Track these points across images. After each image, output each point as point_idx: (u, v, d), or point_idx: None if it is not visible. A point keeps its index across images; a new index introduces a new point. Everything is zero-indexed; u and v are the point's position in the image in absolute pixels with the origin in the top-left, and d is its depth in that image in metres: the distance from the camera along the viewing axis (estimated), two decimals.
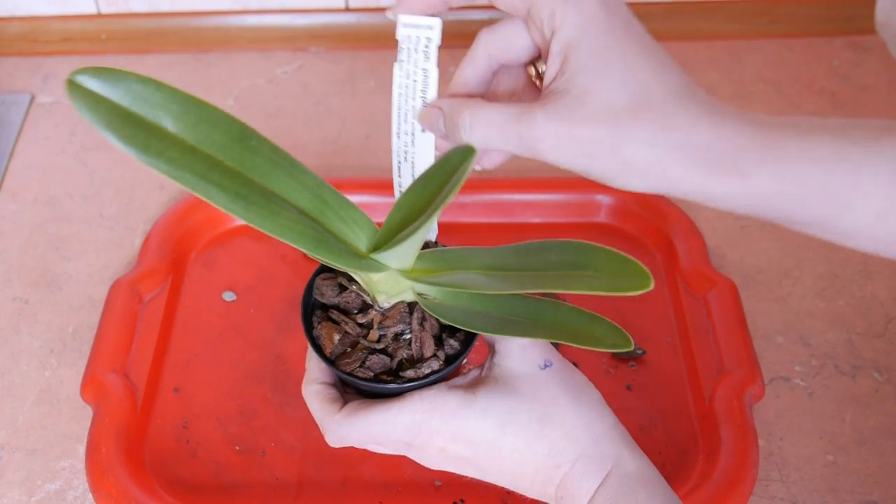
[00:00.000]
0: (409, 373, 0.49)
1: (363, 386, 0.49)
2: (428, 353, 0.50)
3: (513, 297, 0.49)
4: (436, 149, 0.51)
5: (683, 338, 0.72)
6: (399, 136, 0.51)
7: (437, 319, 0.51)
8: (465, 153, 0.44)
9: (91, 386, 0.66)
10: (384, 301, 0.51)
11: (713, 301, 0.72)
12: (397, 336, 0.51)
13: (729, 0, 0.98)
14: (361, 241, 0.48)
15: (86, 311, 0.75)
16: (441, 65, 0.49)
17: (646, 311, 0.74)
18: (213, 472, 0.65)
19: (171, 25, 0.98)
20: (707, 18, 0.99)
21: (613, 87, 0.44)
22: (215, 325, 0.74)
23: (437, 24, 0.47)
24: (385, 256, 0.46)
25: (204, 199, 0.41)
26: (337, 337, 0.50)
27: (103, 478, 0.61)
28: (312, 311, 0.52)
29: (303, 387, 0.51)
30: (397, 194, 0.53)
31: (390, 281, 0.49)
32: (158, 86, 0.42)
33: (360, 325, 0.51)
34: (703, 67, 0.97)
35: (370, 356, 0.50)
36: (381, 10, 0.98)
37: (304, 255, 0.78)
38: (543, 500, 0.49)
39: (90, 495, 0.63)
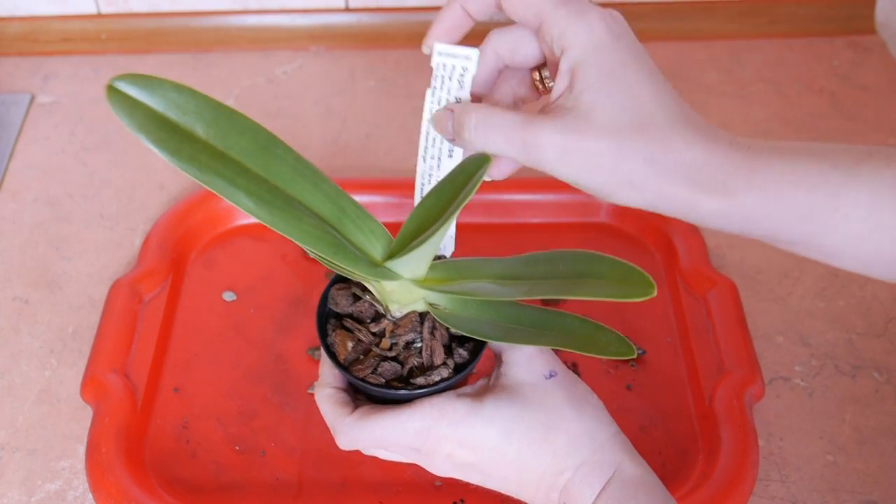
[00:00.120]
0: (420, 380, 0.51)
1: (374, 392, 0.51)
2: (438, 361, 0.51)
3: (520, 307, 0.51)
4: None
5: (683, 338, 0.72)
6: (425, 160, 0.52)
7: (447, 329, 0.53)
8: (479, 162, 0.46)
9: (91, 386, 0.66)
10: (396, 311, 0.52)
11: (713, 301, 0.72)
12: (408, 344, 0.52)
13: (729, 0, 0.98)
14: (376, 250, 0.50)
15: (86, 311, 0.75)
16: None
17: (646, 311, 0.74)
18: (213, 472, 0.65)
19: (171, 25, 0.98)
20: (707, 18, 0.99)
21: (617, 107, 0.47)
22: (215, 325, 0.74)
23: (474, 55, 0.49)
24: (399, 264, 0.48)
25: (231, 202, 0.43)
26: (350, 344, 0.52)
27: (103, 478, 0.61)
28: (327, 319, 0.54)
29: (315, 391, 0.53)
30: None
31: (403, 290, 0.51)
32: (192, 93, 0.44)
33: (373, 333, 0.53)
34: (703, 67, 0.97)
35: (382, 363, 0.51)
36: (381, 10, 0.98)
37: (304, 255, 0.78)
38: None
39: (90, 495, 0.63)
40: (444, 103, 0.50)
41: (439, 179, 0.53)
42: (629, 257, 0.48)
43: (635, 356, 0.47)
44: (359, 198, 0.51)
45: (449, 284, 0.50)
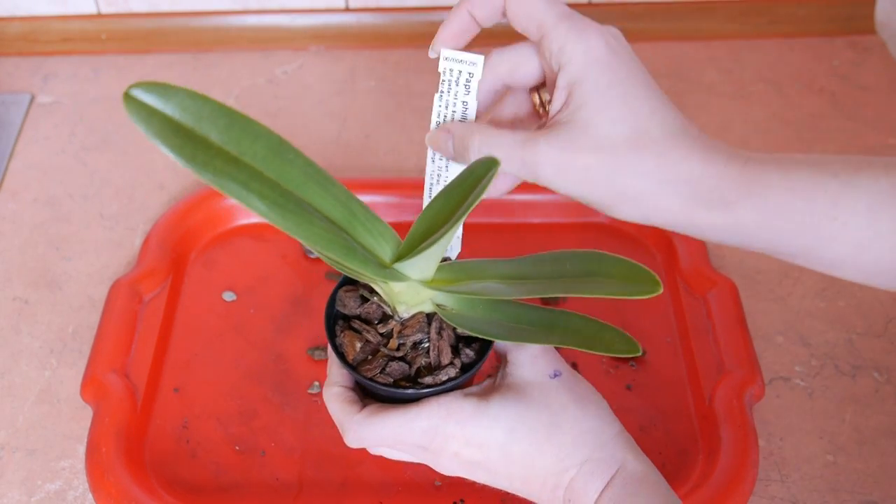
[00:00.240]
0: (427, 379, 0.51)
1: (382, 391, 0.52)
2: (445, 360, 0.52)
3: (526, 308, 0.52)
4: None
5: (683, 338, 0.72)
6: (434, 161, 0.54)
7: (453, 329, 0.53)
8: (488, 165, 0.46)
9: (91, 386, 0.66)
10: (404, 312, 0.53)
11: (713, 301, 0.72)
12: (416, 345, 0.53)
13: (729, 0, 0.98)
14: (385, 253, 0.51)
15: (86, 311, 0.75)
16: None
17: (646, 311, 0.74)
18: (213, 472, 0.65)
19: (171, 25, 0.98)
20: (707, 18, 0.99)
21: (613, 122, 0.48)
22: (215, 325, 0.74)
23: (480, 60, 0.50)
24: (407, 266, 0.49)
25: (245, 206, 0.44)
26: (359, 345, 0.53)
27: (103, 478, 0.61)
28: (335, 321, 0.55)
29: (324, 390, 0.54)
30: None
31: (411, 292, 0.51)
32: (206, 100, 0.45)
33: (381, 334, 0.53)
34: (703, 67, 0.97)
35: (390, 363, 0.52)
36: (382, 10, 0.98)
37: (305, 255, 0.78)
38: None
39: (90, 495, 0.63)
40: (451, 107, 0.52)
41: (448, 180, 0.54)
42: (629, 257, 0.48)
43: (640, 353, 0.47)
44: (359, 198, 0.51)
45: (456, 285, 0.51)
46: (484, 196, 0.56)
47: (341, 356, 0.53)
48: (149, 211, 0.83)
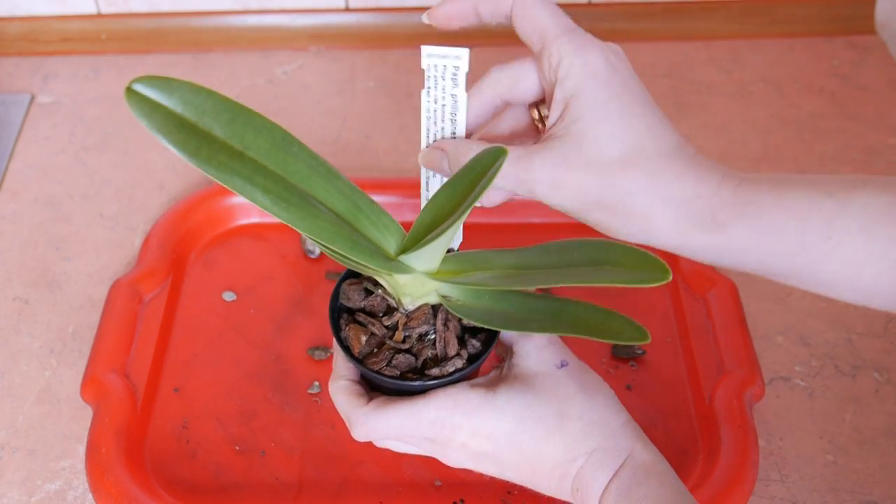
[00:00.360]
0: (434, 371, 0.51)
1: (389, 384, 0.52)
2: (451, 352, 0.52)
3: (533, 297, 0.51)
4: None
5: (683, 338, 0.72)
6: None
7: (459, 321, 0.53)
8: (495, 155, 0.46)
9: (91, 386, 0.66)
10: (409, 304, 0.53)
11: (713, 301, 0.72)
12: (422, 337, 0.53)
13: (729, 0, 0.98)
14: (390, 245, 0.51)
15: (86, 311, 0.75)
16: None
17: (646, 311, 0.74)
18: (213, 472, 0.65)
19: (171, 25, 0.98)
20: (707, 18, 0.99)
21: (608, 137, 0.48)
22: (215, 325, 0.74)
23: (464, 53, 0.50)
24: (412, 258, 0.49)
25: (249, 200, 0.44)
26: (364, 338, 0.53)
27: (103, 478, 0.61)
28: (339, 314, 0.55)
29: (330, 383, 0.54)
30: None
31: (416, 283, 0.51)
32: (209, 94, 0.45)
33: (386, 326, 0.53)
34: (703, 67, 0.97)
35: (396, 355, 0.52)
36: (382, 10, 0.98)
37: (305, 255, 0.78)
38: (561, 496, 0.51)
39: (90, 495, 0.63)
40: (440, 101, 0.51)
41: (442, 181, 0.53)
42: None
43: (649, 340, 0.46)
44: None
45: (462, 276, 0.50)
46: (477, 204, 0.56)
47: (347, 349, 0.52)
48: (149, 211, 0.83)
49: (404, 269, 0.49)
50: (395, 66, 0.98)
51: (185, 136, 0.43)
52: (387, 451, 0.65)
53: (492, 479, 0.63)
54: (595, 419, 0.50)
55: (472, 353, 0.53)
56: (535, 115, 0.53)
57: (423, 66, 0.50)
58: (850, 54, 0.98)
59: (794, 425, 0.67)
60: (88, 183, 0.86)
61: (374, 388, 0.54)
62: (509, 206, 0.80)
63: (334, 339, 0.53)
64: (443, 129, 0.52)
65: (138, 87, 0.43)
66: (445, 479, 0.64)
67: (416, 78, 0.96)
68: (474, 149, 0.49)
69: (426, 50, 0.50)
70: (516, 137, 0.54)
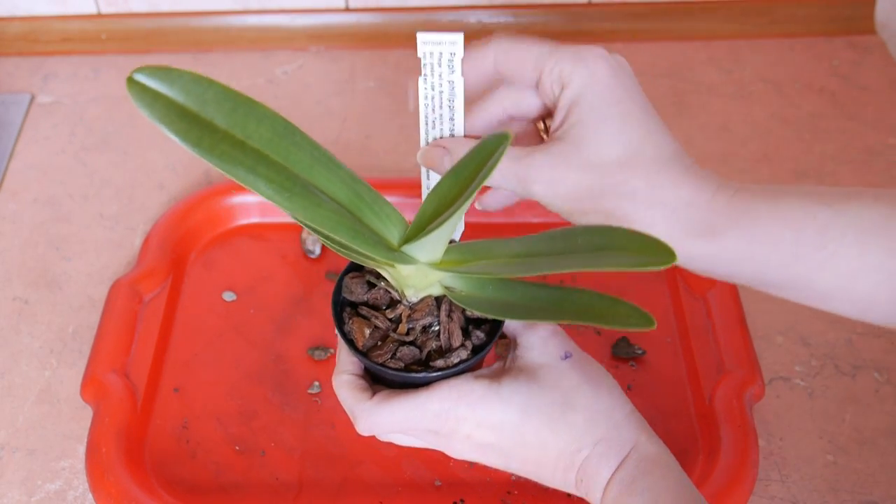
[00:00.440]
0: (439, 362, 0.51)
1: (393, 376, 0.52)
2: (456, 343, 0.52)
3: (537, 286, 0.51)
4: None
5: (683, 338, 0.72)
6: (427, 143, 0.54)
7: (462, 312, 0.53)
8: (498, 140, 0.45)
9: (91, 386, 0.66)
10: (412, 296, 0.53)
11: (713, 301, 0.72)
12: (426, 328, 0.53)
13: (729, 0, 0.98)
14: (393, 235, 0.50)
15: (86, 311, 0.75)
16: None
17: (646, 310, 0.73)
18: (213, 472, 0.65)
19: (171, 25, 0.98)
20: (707, 18, 0.99)
21: (607, 140, 0.48)
22: (215, 325, 0.74)
23: (459, 39, 0.50)
24: (415, 248, 0.49)
25: (252, 190, 0.44)
26: (367, 331, 0.53)
27: (103, 478, 0.61)
28: (342, 308, 0.55)
29: (333, 378, 0.54)
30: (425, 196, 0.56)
31: (419, 275, 0.51)
32: (210, 83, 0.44)
33: (390, 319, 0.53)
34: (703, 67, 0.97)
35: (401, 347, 0.52)
36: (382, 10, 0.98)
37: (305, 255, 0.78)
38: (565, 488, 0.51)
39: (90, 495, 0.63)
40: (438, 88, 0.51)
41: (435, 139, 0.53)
42: None
43: (654, 326, 0.46)
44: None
45: (466, 266, 0.50)
46: (478, 207, 0.57)
47: (350, 343, 0.52)
48: (149, 211, 0.83)
49: (407, 260, 0.49)
50: (395, 66, 0.98)
51: (187, 126, 0.43)
52: (387, 451, 0.65)
53: (492, 479, 0.63)
54: (599, 410, 0.50)
55: (477, 345, 0.53)
56: (541, 126, 0.54)
57: (420, 53, 0.51)
58: (850, 54, 0.98)
59: (794, 425, 0.67)
60: (88, 183, 0.86)
61: (378, 381, 0.54)
62: (509, 206, 0.81)
63: (337, 333, 0.53)
64: (441, 115, 0.52)
65: (139, 77, 0.43)
66: (445, 479, 0.64)
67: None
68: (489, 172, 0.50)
69: (422, 37, 0.50)
70: (518, 143, 0.54)
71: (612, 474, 0.49)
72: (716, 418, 0.64)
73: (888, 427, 0.67)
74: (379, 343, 0.53)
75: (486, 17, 0.98)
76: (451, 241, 0.55)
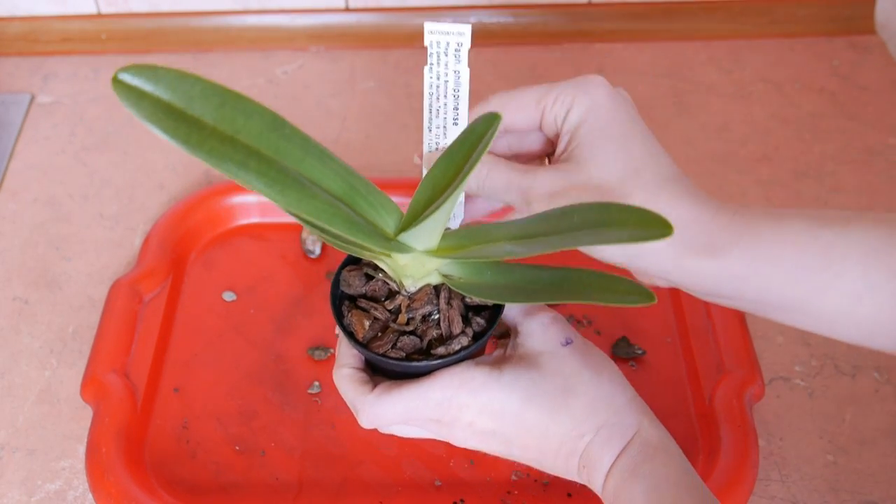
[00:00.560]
0: (440, 350, 0.51)
1: (395, 366, 0.52)
2: (456, 330, 0.52)
3: (535, 268, 0.51)
4: None
5: (683, 338, 0.72)
6: (431, 130, 0.54)
7: (462, 300, 0.53)
8: (489, 121, 0.46)
9: (91, 386, 0.66)
10: (411, 285, 0.53)
11: None
12: (425, 318, 0.53)
13: (729, 0, 0.98)
14: (388, 225, 0.50)
15: (86, 311, 0.75)
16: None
17: (646, 311, 0.74)
18: (213, 472, 0.65)
19: (171, 25, 0.98)
20: (707, 18, 0.99)
21: (608, 159, 0.49)
22: (215, 325, 0.74)
23: (467, 29, 0.50)
24: (411, 236, 0.49)
25: (244, 185, 0.44)
26: (367, 323, 0.53)
27: (103, 478, 0.61)
28: (341, 302, 0.55)
29: (334, 372, 0.54)
30: None
31: (416, 263, 0.51)
32: (196, 80, 0.44)
33: (389, 310, 0.53)
34: (703, 67, 0.97)
35: (401, 338, 0.52)
36: (382, 10, 0.98)
37: (305, 255, 0.78)
38: (567, 475, 0.52)
39: (90, 495, 0.63)
40: (442, 77, 0.52)
41: (445, 147, 0.53)
42: None
43: (655, 301, 0.45)
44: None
45: (463, 251, 0.50)
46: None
47: (350, 335, 0.52)
48: (149, 211, 0.83)
49: (404, 249, 0.49)
50: (395, 66, 0.98)
51: (175, 123, 0.43)
52: (387, 451, 0.65)
53: (492, 479, 0.63)
54: (601, 395, 0.50)
55: (477, 331, 0.53)
56: (547, 161, 0.55)
57: (426, 42, 0.51)
58: (850, 54, 0.98)
59: (794, 425, 0.67)
60: (88, 183, 0.86)
61: (379, 372, 0.54)
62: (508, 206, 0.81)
63: (337, 327, 0.53)
64: (445, 104, 0.53)
65: (124, 77, 0.43)
66: (445, 479, 0.64)
67: (416, 78, 0.96)
68: (484, 165, 0.51)
69: (429, 26, 0.50)
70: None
71: (615, 460, 0.49)
72: (716, 418, 0.64)
73: (888, 427, 0.67)
74: (379, 334, 0.53)
75: (486, 18, 0.98)
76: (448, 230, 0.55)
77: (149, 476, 0.63)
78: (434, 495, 0.63)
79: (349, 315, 0.53)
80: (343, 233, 0.46)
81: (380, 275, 0.54)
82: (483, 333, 0.52)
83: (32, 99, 0.95)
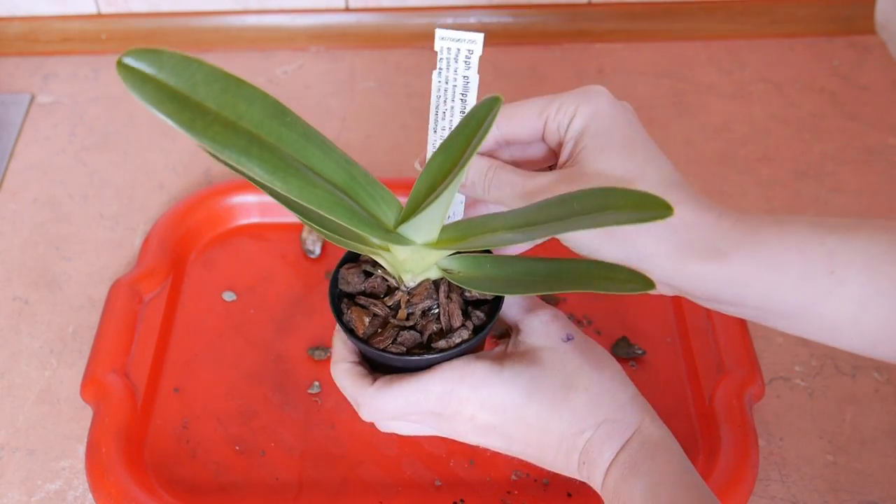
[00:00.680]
0: (441, 343, 0.51)
1: (395, 361, 0.52)
2: (456, 323, 0.52)
3: (533, 260, 0.51)
4: None
5: (683, 338, 0.72)
6: (436, 131, 0.54)
7: (461, 295, 0.53)
8: (489, 105, 0.45)
9: (91, 386, 0.66)
10: (410, 280, 0.53)
11: None
12: (425, 312, 0.53)
13: (729, 0, 0.98)
14: (388, 218, 0.50)
15: (86, 311, 0.75)
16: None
17: (646, 311, 0.74)
18: (213, 472, 0.65)
19: (171, 25, 0.98)
20: (707, 18, 0.99)
21: (611, 164, 0.49)
22: (215, 325, 0.74)
23: (479, 38, 0.51)
24: (411, 228, 0.48)
25: (246, 172, 0.44)
26: (367, 319, 0.53)
27: (103, 478, 0.61)
28: (340, 300, 0.55)
29: (332, 367, 0.54)
30: None
31: (416, 257, 0.51)
32: (200, 65, 0.44)
33: (389, 306, 0.53)
34: (703, 67, 0.97)
35: (401, 333, 0.52)
36: (382, 10, 0.98)
37: (305, 255, 0.78)
38: (567, 472, 0.52)
39: (90, 495, 0.63)
40: (451, 82, 0.52)
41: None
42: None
43: (654, 287, 0.45)
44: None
45: (463, 243, 0.50)
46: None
47: (351, 332, 0.52)
48: (149, 211, 0.83)
49: (403, 241, 0.49)
50: (395, 66, 0.98)
51: (179, 108, 0.43)
52: (387, 451, 0.65)
53: (492, 479, 0.63)
54: (602, 391, 0.50)
55: (477, 325, 0.53)
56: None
57: (437, 48, 0.51)
58: (850, 54, 0.98)
59: (794, 425, 0.67)
60: (88, 183, 0.86)
61: (380, 368, 0.54)
62: None
63: (337, 324, 0.53)
64: (451, 107, 0.53)
65: (128, 61, 0.43)
66: (445, 479, 0.64)
67: (416, 78, 0.96)
68: (491, 171, 0.51)
69: (440, 33, 0.51)
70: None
71: (615, 457, 0.49)
72: (716, 418, 0.64)
73: (888, 427, 0.67)
74: (379, 330, 0.53)
75: (486, 18, 0.98)
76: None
77: (149, 476, 0.63)
78: (434, 495, 0.63)
79: (349, 312, 0.53)
80: (345, 223, 0.46)
81: (378, 271, 0.54)
82: (483, 327, 0.52)
83: (32, 99, 0.95)
